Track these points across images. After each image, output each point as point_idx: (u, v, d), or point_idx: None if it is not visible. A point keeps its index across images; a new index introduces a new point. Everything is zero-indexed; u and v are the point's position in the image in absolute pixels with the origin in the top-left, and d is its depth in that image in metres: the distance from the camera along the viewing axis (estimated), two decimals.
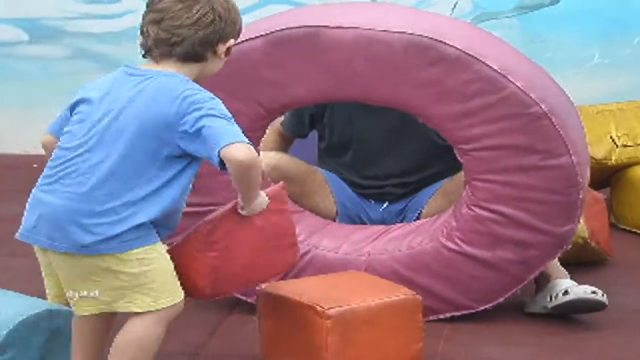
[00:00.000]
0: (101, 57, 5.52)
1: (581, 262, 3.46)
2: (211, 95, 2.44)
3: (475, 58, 2.87)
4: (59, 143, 2.52)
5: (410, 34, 2.89)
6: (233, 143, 2.34)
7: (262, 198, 2.53)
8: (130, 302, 2.41)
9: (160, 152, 2.40)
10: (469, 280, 3.07)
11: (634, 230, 4.10)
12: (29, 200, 2.50)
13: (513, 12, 5.36)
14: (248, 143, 2.37)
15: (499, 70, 2.87)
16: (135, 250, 2.39)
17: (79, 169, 2.42)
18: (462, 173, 3.14)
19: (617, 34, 5.29)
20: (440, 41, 2.87)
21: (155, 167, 2.40)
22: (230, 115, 2.41)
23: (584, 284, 3.10)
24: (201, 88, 2.45)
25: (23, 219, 2.51)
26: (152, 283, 2.41)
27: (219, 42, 2.48)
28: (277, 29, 3.00)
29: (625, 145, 4.12)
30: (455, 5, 5.35)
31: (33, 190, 2.51)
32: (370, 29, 2.92)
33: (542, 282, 3.18)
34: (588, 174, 3.06)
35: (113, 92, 2.53)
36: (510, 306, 3.22)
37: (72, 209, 2.39)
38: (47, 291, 2.54)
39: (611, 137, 4.12)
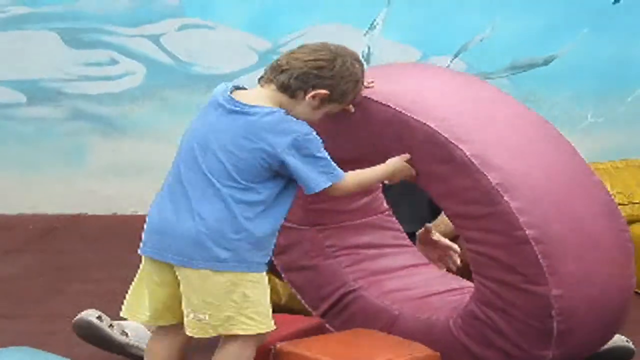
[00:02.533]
0: (100, 118, 5.55)
1: None
2: None
3: (477, 168, 2.81)
4: None
5: (430, 127, 2.85)
6: None
7: (395, 164, 2.80)
8: (234, 324, 2.61)
9: None
10: None
11: (635, 290, 4.09)
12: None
13: (506, 72, 5.41)
14: None
15: (496, 186, 2.79)
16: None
17: None
18: None
19: (610, 93, 5.34)
20: (452, 142, 2.83)
21: None
22: None
23: None
24: None
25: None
26: (259, 307, 2.62)
27: (314, 87, 2.63)
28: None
29: (621, 204, 4.14)
30: (448, 67, 5.40)
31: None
32: (403, 113, 2.88)
33: None
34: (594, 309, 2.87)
35: None
36: None
37: None
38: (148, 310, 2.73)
39: None
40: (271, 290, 3.79)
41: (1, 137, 5.59)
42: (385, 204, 3.41)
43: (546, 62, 5.36)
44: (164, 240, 2.64)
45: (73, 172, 5.54)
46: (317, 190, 2.62)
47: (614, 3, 5.29)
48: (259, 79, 2.70)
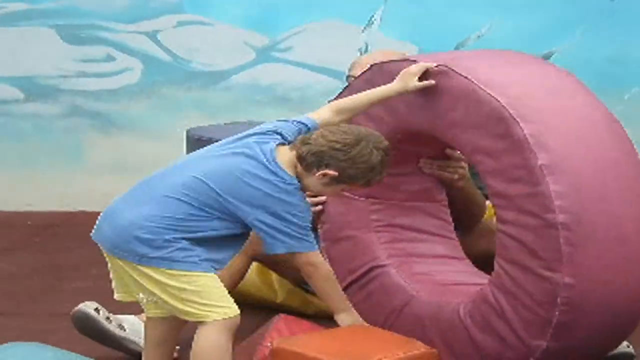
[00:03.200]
0: (97, 114, 5.55)
1: None
2: None
3: (530, 148, 2.84)
4: None
5: (499, 101, 2.89)
6: None
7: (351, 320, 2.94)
8: (183, 313, 2.79)
9: None
10: (459, 352, 3.05)
11: None
12: None
13: None
14: None
15: (542, 167, 2.82)
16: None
17: None
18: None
19: (607, 91, 5.32)
20: (515, 119, 2.87)
21: None
22: None
23: None
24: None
25: None
26: (202, 296, 2.77)
27: (327, 165, 2.78)
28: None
29: None
30: None
31: None
32: (478, 85, 2.94)
33: None
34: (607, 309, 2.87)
35: None
36: None
37: None
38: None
39: None
40: (267, 286, 3.82)
41: None
42: (443, 195, 3.42)
43: (543, 59, 5.36)
44: (102, 226, 2.85)
45: (70, 169, 5.54)
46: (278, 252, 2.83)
47: (611, 0, 5.29)
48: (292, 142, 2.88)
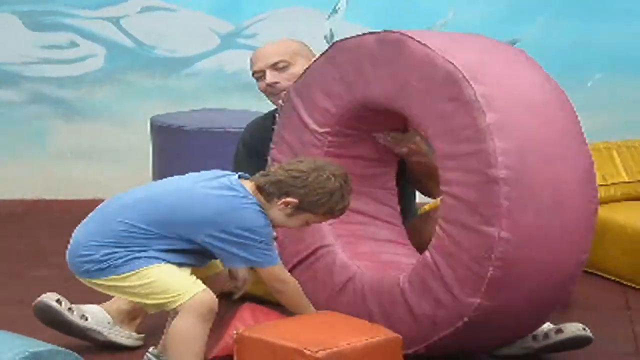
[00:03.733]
0: (60, 101, 5.51)
1: None
2: None
3: (481, 107, 2.88)
4: None
5: (453, 64, 2.94)
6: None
7: None
8: (150, 307, 2.88)
9: None
10: (396, 318, 3.06)
11: (590, 270, 4.14)
12: None
13: None
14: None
15: (490, 125, 2.86)
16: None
17: None
18: None
19: (570, 77, 5.36)
20: (467, 80, 2.91)
21: None
22: None
23: None
24: None
25: None
26: (157, 286, 2.82)
27: (286, 194, 2.83)
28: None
29: None
30: None
31: None
32: (434, 51, 2.99)
33: None
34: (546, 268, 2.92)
35: None
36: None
37: None
38: None
39: None
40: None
41: None
42: (394, 183, 3.45)
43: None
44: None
45: (34, 156, 5.50)
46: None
47: None
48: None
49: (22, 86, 5.50)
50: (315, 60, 3.34)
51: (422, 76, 3.00)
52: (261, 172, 2.93)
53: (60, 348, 2.71)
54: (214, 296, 2.85)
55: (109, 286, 2.88)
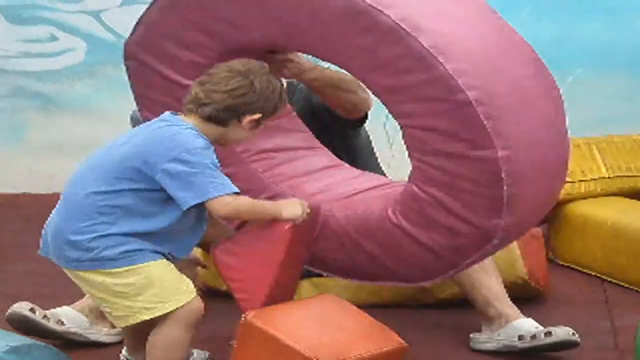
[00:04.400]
0: (40, 95, 5.48)
1: (519, 298, 3.51)
2: None
3: (407, 32, 2.72)
4: None
5: None
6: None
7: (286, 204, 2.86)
8: (139, 313, 2.74)
9: None
10: (407, 255, 2.98)
11: (570, 265, 4.16)
12: None
13: None
14: None
15: (429, 49, 2.70)
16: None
17: None
18: None
19: (551, 72, 5.38)
20: (375, 8, 2.74)
21: None
22: None
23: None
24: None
25: None
26: (149, 290, 2.72)
27: (245, 113, 2.76)
28: None
29: None
30: None
31: None
32: None
33: (496, 319, 3.21)
34: (544, 172, 2.87)
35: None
36: (453, 341, 3.26)
37: None
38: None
39: None
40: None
41: None
42: (289, 107, 3.29)
43: None
44: (45, 239, 2.86)
45: (12, 150, 5.47)
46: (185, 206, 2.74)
47: None
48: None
49: (1, 80, 5.46)
50: (147, 11, 3.12)
51: (312, 12, 2.82)
52: (188, 104, 2.78)
53: (40, 342, 2.70)
54: (202, 304, 2.80)
55: (99, 282, 2.74)
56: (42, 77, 5.46)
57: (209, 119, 2.76)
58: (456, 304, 3.53)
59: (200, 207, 2.74)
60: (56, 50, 5.46)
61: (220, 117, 2.76)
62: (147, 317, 2.75)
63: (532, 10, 5.31)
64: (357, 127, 3.61)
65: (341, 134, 3.57)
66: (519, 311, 3.24)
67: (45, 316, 3.19)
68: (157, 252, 2.76)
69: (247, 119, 2.77)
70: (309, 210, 2.86)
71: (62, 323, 3.22)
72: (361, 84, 3.15)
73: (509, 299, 3.26)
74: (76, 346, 3.24)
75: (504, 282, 3.34)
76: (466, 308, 3.37)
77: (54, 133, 5.47)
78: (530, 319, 3.21)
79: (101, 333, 3.26)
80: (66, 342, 3.23)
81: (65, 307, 3.26)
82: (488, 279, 3.28)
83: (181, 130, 2.73)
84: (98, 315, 3.25)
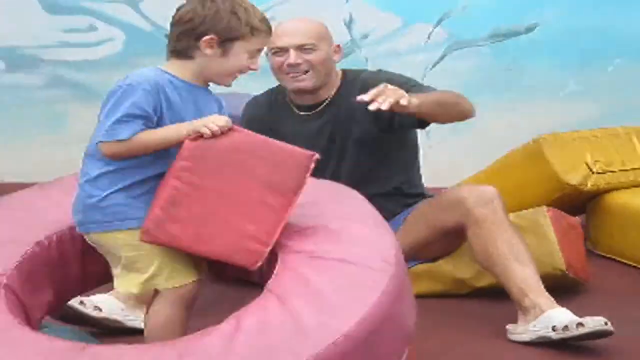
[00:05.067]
0: (78, 85, 5.52)
1: (557, 289, 3.48)
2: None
3: None
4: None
5: None
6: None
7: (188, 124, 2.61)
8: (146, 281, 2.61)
9: None
10: None
11: (609, 256, 4.13)
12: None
13: (487, 40, 5.40)
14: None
15: None
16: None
17: None
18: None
19: (591, 62, 5.35)
20: None
21: None
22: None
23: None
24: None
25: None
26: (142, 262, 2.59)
27: (197, 37, 2.63)
28: None
29: (600, 172, 4.16)
30: (430, 35, 5.39)
31: None
32: None
33: (530, 309, 3.20)
34: None
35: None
36: (490, 332, 3.25)
37: None
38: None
39: (586, 163, 4.16)
40: None
41: None
42: None
43: (528, 31, 5.36)
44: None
45: (53, 139, 5.51)
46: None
47: None
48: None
49: (41, 70, 5.51)
50: None
51: None
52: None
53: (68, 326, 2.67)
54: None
55: (121, 245, 2.61)
56: (81, 67, 5.49)
57: (176, 54, 2.67)
58: (493, 294, 3.51)
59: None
60: (95, 40, 5.49)
61: (179, 49, 2.66)
62: (137, 290, 2.64)
63: (570, 1, 5.27)
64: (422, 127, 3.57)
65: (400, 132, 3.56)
66: (553, 301, 3.21)
67: (82, 302, 3.20)
68: None
69: (203, 43, 2.63)
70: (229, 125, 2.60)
71: (99, 309, 3.23)
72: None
73: (544, 289, 3.24)
74: (114, 333, 3.25)
75: (541, 273, 3.32)
76: (503, 297, 3.35)
77: (93, 123, 5.49)
78: (564, 309, 3.19)
79: (139, 319, 3.27)
80: (103, 328, 3.25)
81: (101, 294, 3.27)
82: (522, 269, 3.26)
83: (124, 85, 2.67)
84: (135, 303, 3.26)
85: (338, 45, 3.57)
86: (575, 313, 3.16)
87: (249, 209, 2.55)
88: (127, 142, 2.61)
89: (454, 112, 3.41)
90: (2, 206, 2.92)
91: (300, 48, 3.48)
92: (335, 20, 5.33)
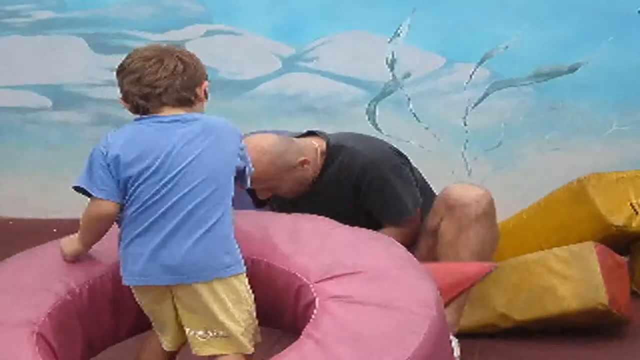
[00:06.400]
0: (123, 123, 5.55)
1: (600, 326, 3.44)
2: None
3: None
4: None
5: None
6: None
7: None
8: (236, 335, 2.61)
9: None
10: None
11: None
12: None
13: (530, 79, 5.40)
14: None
15: None
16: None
17: None
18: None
19: (635, 101, 5.32)
20: None
21: None
22: None
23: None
24: None
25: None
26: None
27: (195, 86, 2.78)
28: None
29: None
30: (472, 74, 5.40)
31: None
32: None
33: None
34: None
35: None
36: None
37: None
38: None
39: (631, 204, 4.13)
40: None
41: (26, 142, 5.62)
42: None
43: (571, 70, 5.35)
44: (155, 264, 2.78)
45: None
46: None
47: (639, 12, 5.27)
48: (142, 114, 2.86)
49: (87, 107, 5.57)
50: None
51: None
52: (148, 100, 2.80)
53: None
54: None
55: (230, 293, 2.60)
56: None
57: (180, 102, 2.77)
58: (539, 330, 3.46)
59: None
60: None
61: (185, 97, 2.77)
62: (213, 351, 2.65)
63: (617, 38, 5.25)
64: None
65: None
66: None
67: None
68: None
69: (200, 90, 2.80)
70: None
71: None
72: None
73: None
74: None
75: (584, 308, 3.29)
76: (550, 334, 3.30)
77: None
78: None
79: None
80: None
81: None
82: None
83: None
84: None
85: (304, 160, 3.48)
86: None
87: None
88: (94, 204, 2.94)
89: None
90: (35, 255, 2.95)
91: (264, 189, 3.46)
92: (377, 59, 5.35)
